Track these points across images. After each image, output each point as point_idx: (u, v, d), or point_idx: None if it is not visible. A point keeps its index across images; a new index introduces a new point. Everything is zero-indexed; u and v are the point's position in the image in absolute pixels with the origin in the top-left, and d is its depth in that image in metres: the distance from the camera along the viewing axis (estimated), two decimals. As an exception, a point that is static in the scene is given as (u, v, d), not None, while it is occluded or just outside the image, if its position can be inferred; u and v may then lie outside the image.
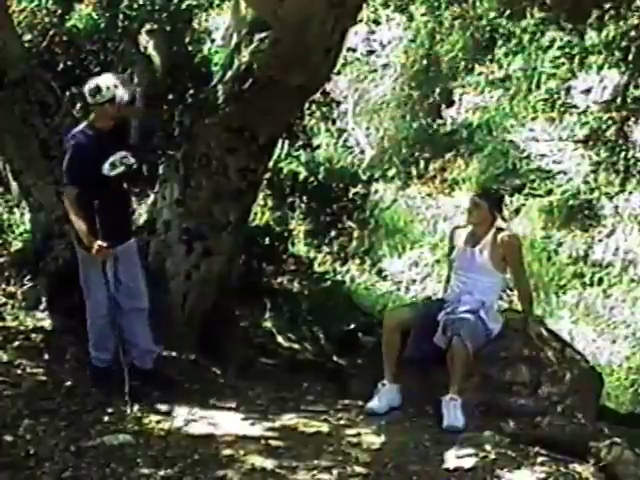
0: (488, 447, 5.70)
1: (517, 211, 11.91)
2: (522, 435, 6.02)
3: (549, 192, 11.96)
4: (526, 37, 13.10)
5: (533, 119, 12.64)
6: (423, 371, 6.50)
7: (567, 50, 12.74)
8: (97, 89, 6.15)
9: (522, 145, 12.45)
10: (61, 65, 8.43)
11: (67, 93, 8.23)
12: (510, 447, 5.76)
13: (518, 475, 5.46)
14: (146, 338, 6.51)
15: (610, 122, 12.19)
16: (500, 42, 13.30)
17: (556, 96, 12.66)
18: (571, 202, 11.75)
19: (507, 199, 11.95)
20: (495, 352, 6.50)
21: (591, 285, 11.15)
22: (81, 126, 6.37)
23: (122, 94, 6.18)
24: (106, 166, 6.22)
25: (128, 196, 6.72)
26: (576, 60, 12.64)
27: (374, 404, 6.38)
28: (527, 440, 5.91)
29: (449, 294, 6.65)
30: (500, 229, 6.60)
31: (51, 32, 8.33)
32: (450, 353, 6.23)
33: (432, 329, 6.38)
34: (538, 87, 12.84)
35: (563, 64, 12.73)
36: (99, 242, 6.12)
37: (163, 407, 6.25)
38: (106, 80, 6.22)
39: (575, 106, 12.55)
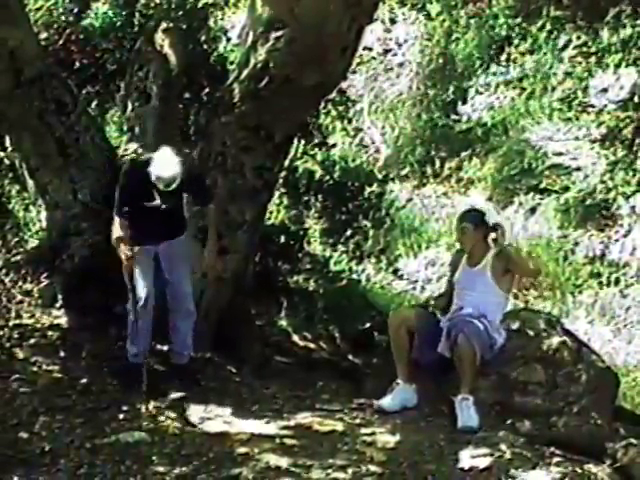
0: (503, 447, 5.70)
1: (533, 210, 11.85)
2: (537, 435, 6.01)
3: (565, 189, 11.90)
4: (542, 36, 13.08)
5: (549, 118, 12.57)
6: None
7: (584, 49, 12.71)
8: (169, 182, 6.22)
9: (538, 144, 12.38)
10: (77, 63, 8.44)
11: (83, 91, 8.25)
12: (525, 447, 5.75)
13: (533, 475, 5.45)
14: (183, 340, 6.59)
15: (627, 121, 12.15)
16: (516, 41, 13.27)
17: (572, 95, 12.62)
18: (587, 201, 11.69)
19: (522, 198, 11.95)
20: (511, 352, 6.48)
21: (607, 285, 11.07)
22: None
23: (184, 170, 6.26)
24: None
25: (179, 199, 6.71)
26: (593, 59, 12.61)
27: (384, 402, 6.37)
28: (542, 440, 5.90)
29: (452, 310, 6.61)
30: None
31: (67, 30, 8.34)
32: (457, 352, 6.20)
33: (436, 339, 6.37)
34: (554, 88, 12.79)
35: (580, 63, 12.69)
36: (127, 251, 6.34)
37: (178, 405, 6.27)
38: (170, 170, 6.22)
39: (592, 105, 12.49)
